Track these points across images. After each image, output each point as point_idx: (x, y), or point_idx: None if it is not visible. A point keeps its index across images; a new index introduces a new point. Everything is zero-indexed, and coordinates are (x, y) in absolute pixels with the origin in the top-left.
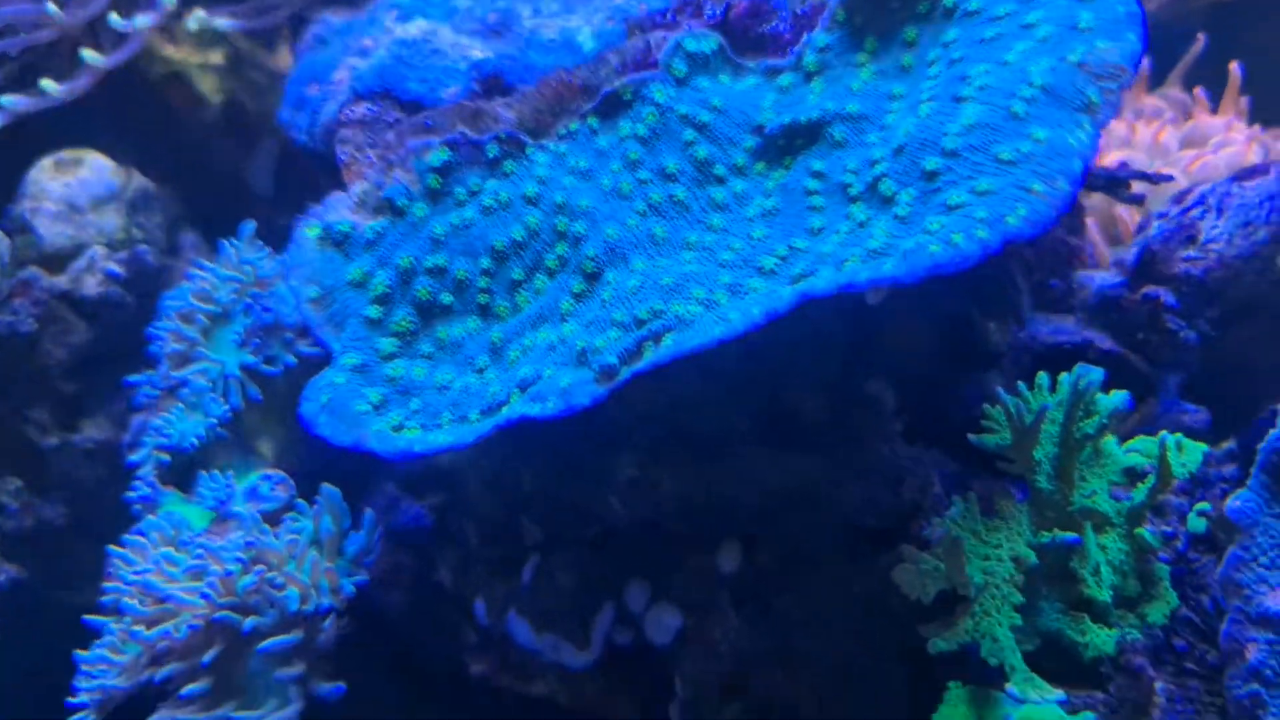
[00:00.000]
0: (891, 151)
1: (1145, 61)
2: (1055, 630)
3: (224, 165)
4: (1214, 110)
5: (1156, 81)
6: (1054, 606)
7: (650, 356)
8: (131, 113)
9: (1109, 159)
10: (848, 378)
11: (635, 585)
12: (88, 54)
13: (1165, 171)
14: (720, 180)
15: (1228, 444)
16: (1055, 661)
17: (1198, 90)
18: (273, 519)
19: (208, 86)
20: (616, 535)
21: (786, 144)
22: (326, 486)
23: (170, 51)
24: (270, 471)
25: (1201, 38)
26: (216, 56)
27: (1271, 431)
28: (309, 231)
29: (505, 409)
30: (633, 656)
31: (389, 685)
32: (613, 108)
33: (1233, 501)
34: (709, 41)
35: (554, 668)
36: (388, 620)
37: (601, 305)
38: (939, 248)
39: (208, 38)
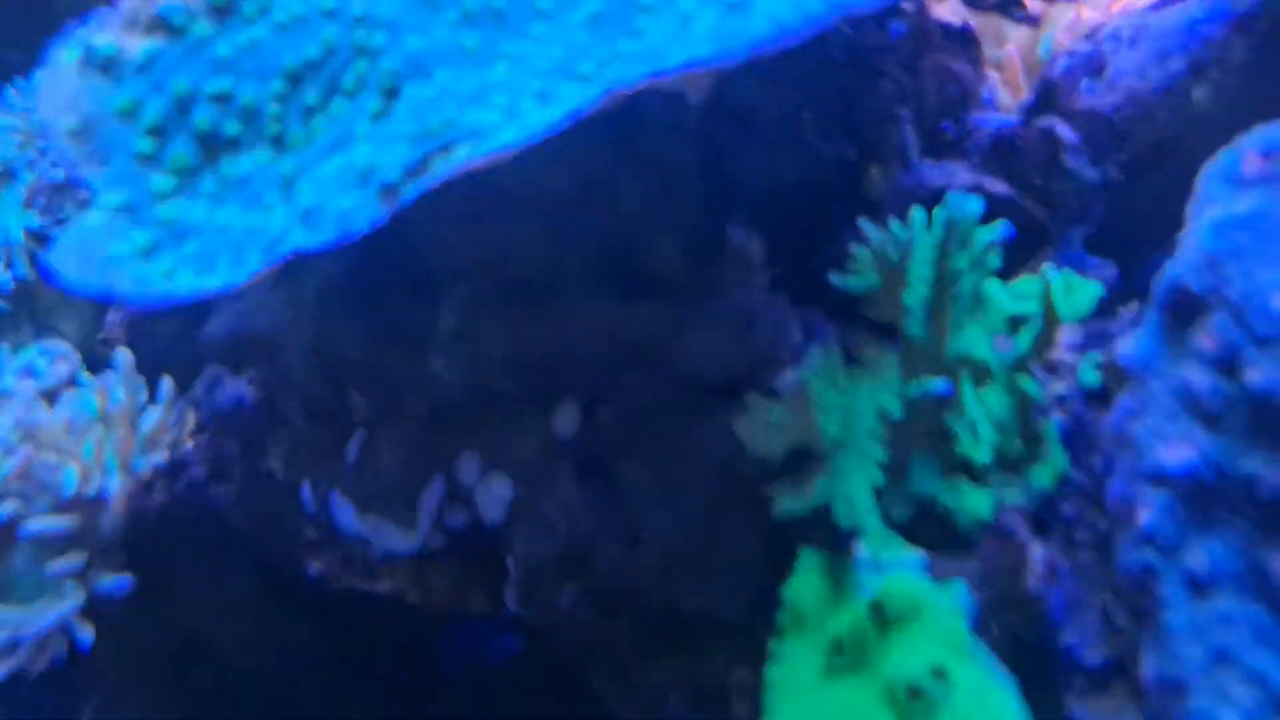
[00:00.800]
0: None
1: None
2: (929, 495)
3: None
4: None
5: None
6: (928, 470)
7: (439, 169)
8: None
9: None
10: (709, 224)
11: (467, 457)
12: None
13: (1086, 16)
14: None
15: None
16: (931, 532)
17: None
18: (52, 398)
19: None
20: (449, 405)
21: None
22: (119, 353)
23: None
24: (49, 344)
25: None
26: None
27: (1167, 262)
28: (66, 56)
29: (282, 243)
30: (474, 541)
31: (231, 592)
32: None
33: (1124, 345)
34: None
35: (392, 559)
36: (222, 518)
37: (395, 122)
38: (760, 23)
39: None
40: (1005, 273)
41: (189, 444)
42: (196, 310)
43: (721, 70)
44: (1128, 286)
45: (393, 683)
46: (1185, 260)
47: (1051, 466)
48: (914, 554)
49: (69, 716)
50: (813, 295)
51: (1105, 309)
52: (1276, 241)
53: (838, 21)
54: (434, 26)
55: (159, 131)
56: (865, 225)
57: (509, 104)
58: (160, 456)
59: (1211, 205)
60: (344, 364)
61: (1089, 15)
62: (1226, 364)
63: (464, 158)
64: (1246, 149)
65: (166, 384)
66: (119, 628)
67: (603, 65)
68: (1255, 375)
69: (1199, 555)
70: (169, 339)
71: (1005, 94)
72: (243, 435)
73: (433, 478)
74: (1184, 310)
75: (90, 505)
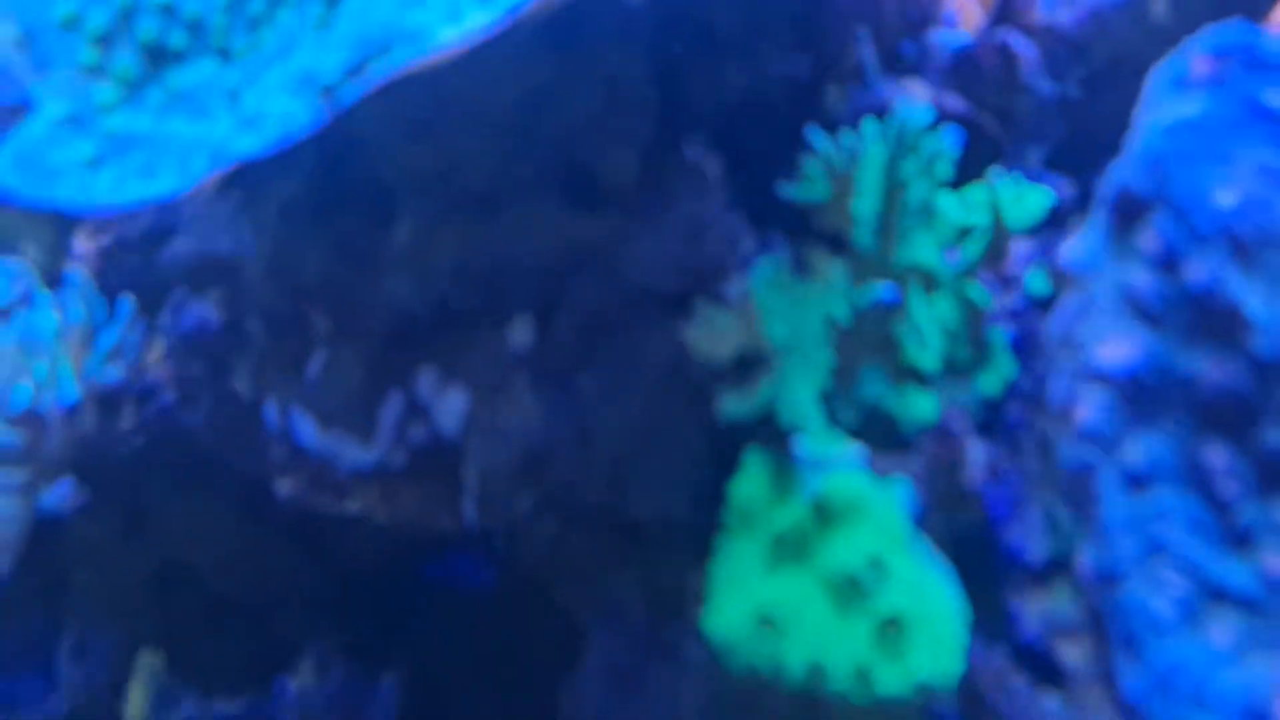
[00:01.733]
0: None
1: None
2: (876, 401)
3: None
4: None
5: None
6: (877, 377)
7: (376, 70)
8: None
9: None
10: (664, 141)
11: (426, 371)
12: None
13: None
14: None
15: None
16: (878, 438)
17: None
18: (7, 317)
19: None
20: (406, 320)
21: None
22: (73, 272)
23: None
24: (3, 262)
25: None
26: None
27: (1112, 165)
28: None
29: (227, 149)
30: (437, 458)
31: (208, 517)
32: None
33: (1068, 248)
34: None
35: (358, 477)
36: (194, 442)
37: (337, 28)
38: None
39: None
40: (961, 189)
41: (158, 369)
42: (165, 236)
43: None
44: (1086, 204)
45: (371, 607)
46: (1131, 162)
47: (999, 374)
48: (855, 449)
49: (49, 646)
50: (770, 215)
51: (1063, 224)
52: (1221, 142)
53: None
54: None
55: (104, 42)
56: (814, 135)
57: (450, 6)
58: (119, 372)
59: (1158, 107)
60: (304, 281)
61: None
62: (1168, 263)
63: (401, 58)
64: (1195, 51)
65: (124, 303)
66: (97, 555)
67: None
68: (1195, 273)
69: (1136, 451)
70: (138, 267)
71: (968, 16)
72: (209, 357)
73: (391, 392)
74: (1128, 212)
75: (38, 421)
